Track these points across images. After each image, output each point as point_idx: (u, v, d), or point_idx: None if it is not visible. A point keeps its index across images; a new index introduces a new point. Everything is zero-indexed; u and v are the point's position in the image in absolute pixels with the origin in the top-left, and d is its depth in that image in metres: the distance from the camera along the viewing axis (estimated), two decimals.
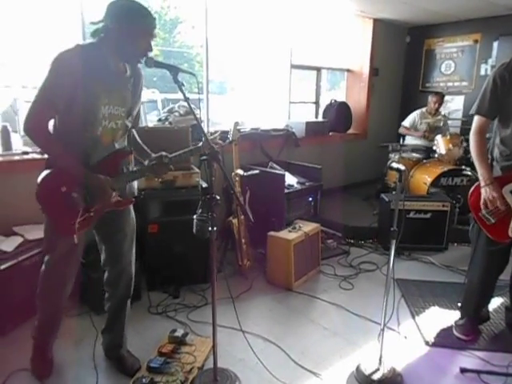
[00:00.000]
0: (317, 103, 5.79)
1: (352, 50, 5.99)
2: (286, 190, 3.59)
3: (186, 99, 1.57)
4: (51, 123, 1.73)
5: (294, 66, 5.15)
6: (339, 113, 5.54)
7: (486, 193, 2.13)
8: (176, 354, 2.20)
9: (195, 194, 2.94)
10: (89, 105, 1.66)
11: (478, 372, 2.11)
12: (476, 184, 2.22)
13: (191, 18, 4.25)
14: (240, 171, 3.19)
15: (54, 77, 1.62)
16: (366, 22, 5.77)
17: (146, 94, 4.98)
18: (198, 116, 3.76)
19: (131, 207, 2.03)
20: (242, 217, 3.22)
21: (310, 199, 3.97)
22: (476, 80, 5.62)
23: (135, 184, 2.03)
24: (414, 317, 2.69)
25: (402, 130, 5.30)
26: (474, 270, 2.40)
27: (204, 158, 1.61)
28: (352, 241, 4.03)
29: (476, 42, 5.62)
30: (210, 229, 1.67)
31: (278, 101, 5.12)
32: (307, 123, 4.97)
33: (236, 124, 3.22)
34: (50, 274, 1.89)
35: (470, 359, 2.27)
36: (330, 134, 5.45)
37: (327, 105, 5.71)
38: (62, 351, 2.21)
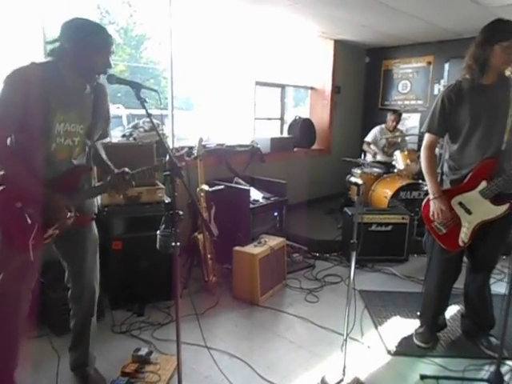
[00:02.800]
0: (282, 119, 5.90)
1: (315, 69, 6.19)
2: (252, 205, 3.62)
3: (149, 115, 1.58)
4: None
5: (258, 83, 5.25)
6: (303, 129, 5.68)
7: (434, 205, 2.25)
8: (140, 374, 2.15)
9: (160, 209, 2.89)
10: (43, 121, 1.65)
11: (437, 378, 2.18)
12: (428, 197, 2.33)
13: (157, 34, 4.28)
14: (205, 187, 3.19)
15: (6, 94, 1.61)
16: (327, 43, 5.99)
17: (111, 110, 4.92)
18: (162, 132, 3.75)
19: (93, 223, 2.00)
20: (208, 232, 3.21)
21: (276, 214, 4.01)
22: (430, 99, 5.92)
23: (96, 201, 2.00)
24: (376, 327, 2.75)
25: (365, 147, 5.47)
26: (430, 279, 2.50)
27: (166, 173, 1.61)
28: (317, 254, 4.09)
29: (429, 63, 5.94)
30: (173, 244, 1.66)
31: (243, 117, 5.19)
32: (272, 139, 5.05)
33: (201, 140, 3.24)
34: (3, 292, 1.80)
35: (430, 366, 2.34)
36: (295, 149, 5.57)
37: (292, 121, 5.84)
38: (20, 377, 2.11)
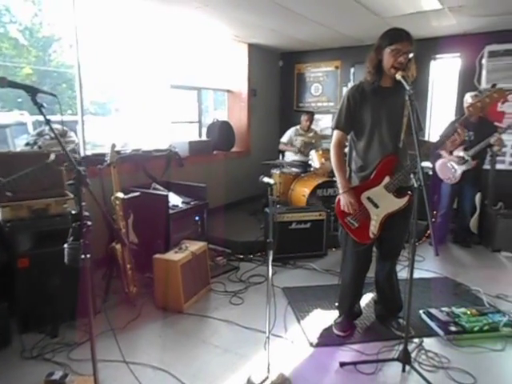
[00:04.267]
0: (200, 122, 5.88)
1: (231, 72, 6.26)
2: (171, 211, 3.55)
3: (47, 121, 1.48)
4: None
5: (173, 87, 5.18)
6: (222, 131, 5.71)
7: (344, 199, 2.41)
8: None
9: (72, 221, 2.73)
10: None
11: (355, 363, 2.33)
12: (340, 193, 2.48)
13: (66, 35, 4.02)
14: (120, 194, 3.07)
15: None
16: (241, 46, 6.09)
17: (14, 117, 4.52)
18: (71, 139, 3.53)
19: None
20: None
21: (197, 218, 3.97)
22: (340, 101, 6.25)
23: None
24: (299, 321, 2.86)
25: (281, 147, 5.66)
26: (345, 270, 2.67)
27: (71, 182, 1.52)
28: (241, 256, 4.14)
29: (337, 68, 6.33)
30: (82, 257, 1.57)
31: (160, 121, 5.08)
32: (190, 143, 5.01)
33: (113, 146, 3.11)
34: None
35: (348, 353, 2.49)
36: (214, 152, 5.58)
37: (210, 124, 5.84)
38: None
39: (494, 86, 4.76)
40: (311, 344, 2.57)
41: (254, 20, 4.64)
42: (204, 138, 5.75)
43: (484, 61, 5.05)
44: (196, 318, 2.93)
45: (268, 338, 2.16)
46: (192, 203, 3.86)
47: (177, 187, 4.06)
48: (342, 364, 2.33)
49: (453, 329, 2.66)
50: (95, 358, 1.73)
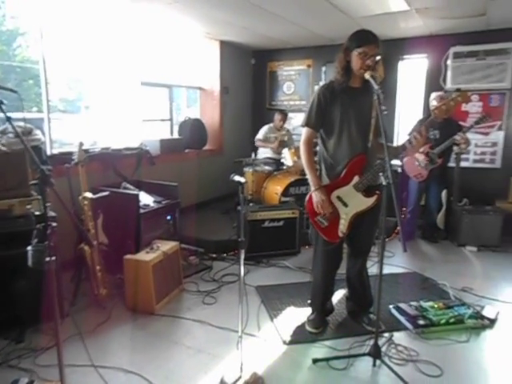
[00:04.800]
0: (171, 120, 5.79)
1: (203, 69, 6.20)
2: (142, 210, 3.49)
3: (8, 119, 1.41)
4: None
5: (144, 84, 5.08)
6: (194, 130, 5.65)
7: (316, 197, 2.43)
8: None
9: (36, 223, 2.63)
10: None
11: (327, 359, 2.36)
12: (310, 191, 2.50)
13: (32, 29, 3.86)
14: (88, 194, 2.98)
15: None
16: (213, 44, 6.04)
17: None
18: (37, 137, 3.40)
19: None
20: (95, 242, 3.01)
21: (169, 218, 3.92)
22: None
23: None
24: (272, 319, 2.86)
25: (257, 144, 5.65)
26: (316, 268, 2.69)
27: (34, 182, 1.46)
28: (215, 255, 4.11)
29: (309, 66, 6.38)
30: (47, 259, 1.52)
31: (130, 119, 4.97)
32: (162, 141, 4.94)
33: (81, 144, 3.02)
34: None
35: (321, 349, 2.51)
36: (186, 150, 5.52)
37: (181, 122, 5.77)
38: None
39: (458, 90, 4.91)
40: (284, 342, 2.58)
41: (225, 17, 4.61)
42: (176, 136, 5.68)
43: (449, 62, 5.21)
44: (168, 319, 2.89)
45: (240, 337, 2.16)
46: (164, 202, 3.81)
47: (148, 186, 3.99)
48: (315, 360, 2.35)
49: (421, 322, 2.74)
50: (62, 364, 1.68)
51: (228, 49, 6.19)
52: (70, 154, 3.16)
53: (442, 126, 4.28)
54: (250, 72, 6.93)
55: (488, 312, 2.90)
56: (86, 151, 3.66)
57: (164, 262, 3.09)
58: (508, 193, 4.82)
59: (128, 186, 3.81)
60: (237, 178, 2.05)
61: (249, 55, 6.83)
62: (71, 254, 3.12)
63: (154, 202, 3.75)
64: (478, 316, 2.83)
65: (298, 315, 2.90)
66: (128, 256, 3.00)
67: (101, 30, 4.42)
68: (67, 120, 4.73)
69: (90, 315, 2.89)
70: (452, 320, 2.77)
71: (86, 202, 2.97)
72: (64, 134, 4.40)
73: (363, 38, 2.27)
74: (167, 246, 3.21)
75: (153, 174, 4.49)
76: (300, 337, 2.63)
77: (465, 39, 5.13)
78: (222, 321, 2.81)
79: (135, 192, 3.56)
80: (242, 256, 2.11)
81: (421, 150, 4.36)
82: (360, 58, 2.25)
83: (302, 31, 5.21)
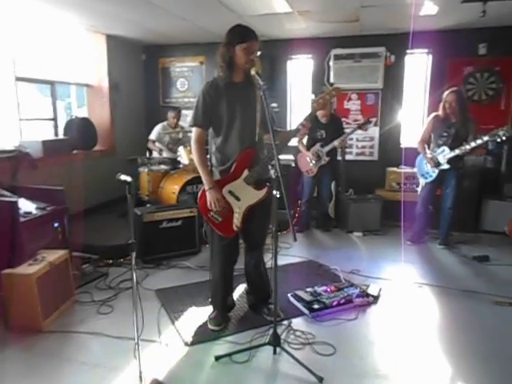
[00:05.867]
0: (55, 120, 5.31)
1: (89, 65, 5.78)
2: (23, 219, 3.12)
3: None
4: None
5: (20, 79, 4.56)
6: (82, 129, 5.26)
7: (210, 195, 2.43)
8: None
9: None
10: None
11: (229, 355, 2.37)
12: (203, 188, 2.49)
13: None
14: None
15: None
16: (99, 37, 5.67)
17: None
18: None
19: None
20: None
21: (56, 225, 3.58)
22: None
23: None
24: (173, 322, 2.79)
25: (150, 145, 5.46)
26: (214, 265, 2.70)
27: None
28: (111, 261, 3.89)
29: (202, 63, 6.35)
30: None
31: (4, 118, 4.43)
32: (44, 142, 4.50)
33: None
34: None
35: (223, 346, 2.52)
36: (74, 152, 5.11)
37: (67, 121, 5.34)
38: None
39: (332, 85, 5.39)
40: (186, 343, 2.53)
41: (109, 9, 4.34)
42: (61, 136, 5.22)
43: (331, 63, 5.61)
44: (59, 335, 2.65)
45: (137, 344, 2.06)
46: (49, 209, 3.46)
47: (29, 192, 3.58)
48: (217, 358, 2.34)
49: (316, 306, 2.91)
50: None
51: (116, 43, 5.86)
52: None
53: (328, 126, 4.70)
54: (141, 68, 6.66)
55: (372, 290, 3.20)
56: None
57: (51, 273, 2.82)
58: (385, 182, 5.37)
59: (4, 192, 3.38)
60: (123, 177, 1.95)
61: (139, 50, 6.56)
62: None
63: (37, 208, 3.39)
64: (364, 294, 3.11)
65: (199, 315, 2.87)
66: (7, 270, 2.68)
67: None
68: None
69: None
70: (343, 301, 2.99)
71: None
72: None
73: (246, 33, 2.33)
74: (55, 255, 2.94)
75: (36, 178, 4.05)
76: (202, 336, 2.61)
77: (343, 42, 5.57)
78: (120, 330, 2.65)
79: (13, 199, 3.18)
80: (133, 259, 2.02)
81: (312, 149, 4.69)
82: (244, 53, 2.30)
83: (192, 27, 5.15)
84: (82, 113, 5.82)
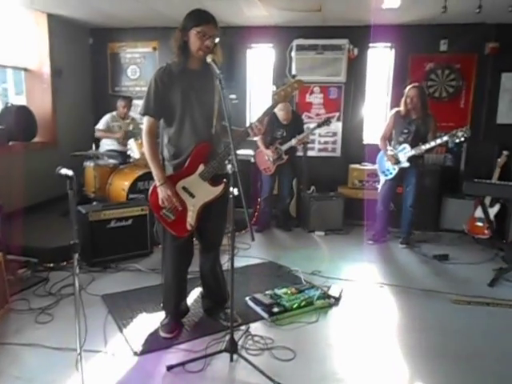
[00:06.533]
0: None
1: (28, 47, 5.46)
2: None
3: None
4: None
5: None
6: (19, 118, 4.96)
7: (161, 192, 2.36)
8: None
9: None
10: None
11: (183, 364, 2.32)
12: (153, 184, 2.42)
13: None
14: None
15: None
16: (39, 16, 5.37)
17: None
18: None
19: None
20: None
21: None
22: None
23: None
24: (121, 330, 2.70)
25: (98, 134, 5.26)
26: (166, 267, 2.63)
27: None
28: (52, 264, 3.72)
29: (155, 49, 6.18)
30: None
31: None
32: None
33: None
34: None
35: (176, 354, 2.47)
36: (10, 143, 4.83)
37: (3, 109, 5.03)
38: None
39: (294, 76, 5.44)
40: (135, 353, 2.46)
41: None
42: None
43: (293, 53, 5.64)
44: None
45: (80, 355, 1.97)
46: None
47: None
48: (169, 367, 2.29)
49: (275, 310, 2.92)
50: None
51: (59, 24, 5.58)
52: None
53: (288, 126, 4.78)
54: (89, 53, 6.39)
55: (333, 291, 3.26)
56: None
57: None
58: (347, 179, 5.48)
59: None
60: (63, 170, 1.86)
61: (86, 33, 6.29)
62: None
63: None
64: (325, 296, 3.16)
65: (150, 322, 2.80)
66: None
67: None
68: None
69: None
70: (303, 303, 3.02)
71: None
72: None
73: (201, 17, 2.28)
74: None
75: None
76: (153, 345, 2.54)
77: (306, 33, 5.61)
78: (60, 340, 2.53)
79: None
80: (76, 262, 1.93)
81: (271, 147, 4.71)
82: (199, 37, 2.25)
83: (144, 9, 4.98)
84: (20, 100, 5.50)
